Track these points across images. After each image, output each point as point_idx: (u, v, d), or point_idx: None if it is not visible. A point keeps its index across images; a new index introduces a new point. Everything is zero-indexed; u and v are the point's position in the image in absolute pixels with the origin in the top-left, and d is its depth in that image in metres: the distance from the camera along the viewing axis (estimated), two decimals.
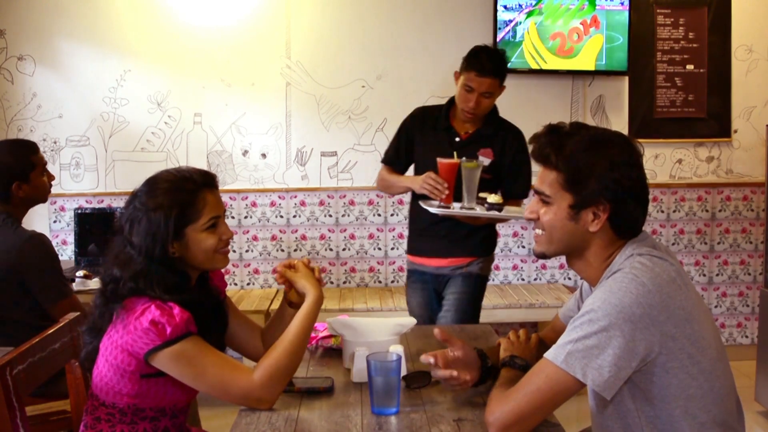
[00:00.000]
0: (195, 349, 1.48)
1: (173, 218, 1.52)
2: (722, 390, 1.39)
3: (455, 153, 2.52)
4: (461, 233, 2.64)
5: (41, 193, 2.51)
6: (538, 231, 1.48)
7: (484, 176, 2.51)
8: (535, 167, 1.49)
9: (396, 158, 2.76)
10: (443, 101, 2.72)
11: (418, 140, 2.71)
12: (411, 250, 2.80)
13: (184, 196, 1.54)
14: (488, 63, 2.49)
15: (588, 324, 1.31)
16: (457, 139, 2.64)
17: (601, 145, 1.40)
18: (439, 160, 2.45)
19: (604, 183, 1.38)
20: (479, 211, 2.48)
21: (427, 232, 2.69)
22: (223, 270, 1.74)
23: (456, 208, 2.48)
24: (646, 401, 1.37)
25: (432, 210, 2.47)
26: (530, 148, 1.48)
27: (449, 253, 2.68)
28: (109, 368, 1.51)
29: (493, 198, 2.45)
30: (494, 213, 2.46)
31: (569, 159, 1.40)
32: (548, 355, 1.35)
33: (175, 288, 1.52)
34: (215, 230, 1.58)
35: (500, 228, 4.10)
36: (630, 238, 1.44)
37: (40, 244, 2.38)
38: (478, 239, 2.69)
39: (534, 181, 1.49)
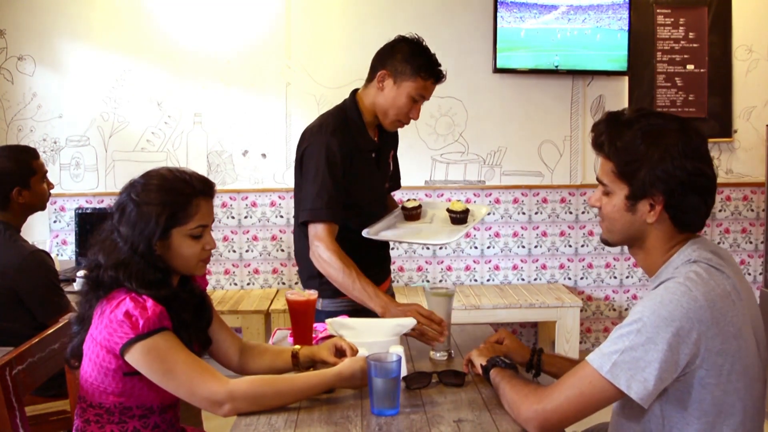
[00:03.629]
0: (167, 345, 1.47)
1: (164, 217, 1.52)
2: (752, 410, 1.38)
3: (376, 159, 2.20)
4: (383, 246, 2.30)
5: (41, 200, 2.49)
6: (602, 220, 1.50)
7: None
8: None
9: (340, 207, 2.04)
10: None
11: (349, 170, 2.09)
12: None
13: (179, 198, 1.55)
14: (440, 68, 2.17)
15: (636, 334, 1.30)
16: (374, 155, 2.21)
17: (654, 135, 1.37)
18: (288, 297, 1.85)
19: (655, 174, 1.35)
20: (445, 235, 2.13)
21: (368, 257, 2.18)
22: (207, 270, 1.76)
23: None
24: (676, 413, 1.35)
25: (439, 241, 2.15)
26: (590, 136, 1.49)
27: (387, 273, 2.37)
28: (93, 367, 1.52)
29: (456, 206, 2.10)
30: (461, 227, 2.12)
31: (621, 149, 1.39)
32: (593, 362, 1.34)
33: (153, 284, 1.52)
34: (200, 239, 1.58)
35: (500, 228, 4.10)
36: (691, 230, 1.42)
37: (39, 261, 2.36)
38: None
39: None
